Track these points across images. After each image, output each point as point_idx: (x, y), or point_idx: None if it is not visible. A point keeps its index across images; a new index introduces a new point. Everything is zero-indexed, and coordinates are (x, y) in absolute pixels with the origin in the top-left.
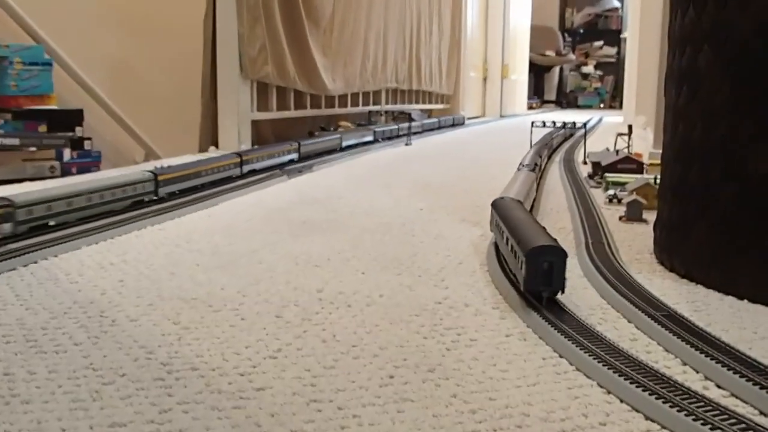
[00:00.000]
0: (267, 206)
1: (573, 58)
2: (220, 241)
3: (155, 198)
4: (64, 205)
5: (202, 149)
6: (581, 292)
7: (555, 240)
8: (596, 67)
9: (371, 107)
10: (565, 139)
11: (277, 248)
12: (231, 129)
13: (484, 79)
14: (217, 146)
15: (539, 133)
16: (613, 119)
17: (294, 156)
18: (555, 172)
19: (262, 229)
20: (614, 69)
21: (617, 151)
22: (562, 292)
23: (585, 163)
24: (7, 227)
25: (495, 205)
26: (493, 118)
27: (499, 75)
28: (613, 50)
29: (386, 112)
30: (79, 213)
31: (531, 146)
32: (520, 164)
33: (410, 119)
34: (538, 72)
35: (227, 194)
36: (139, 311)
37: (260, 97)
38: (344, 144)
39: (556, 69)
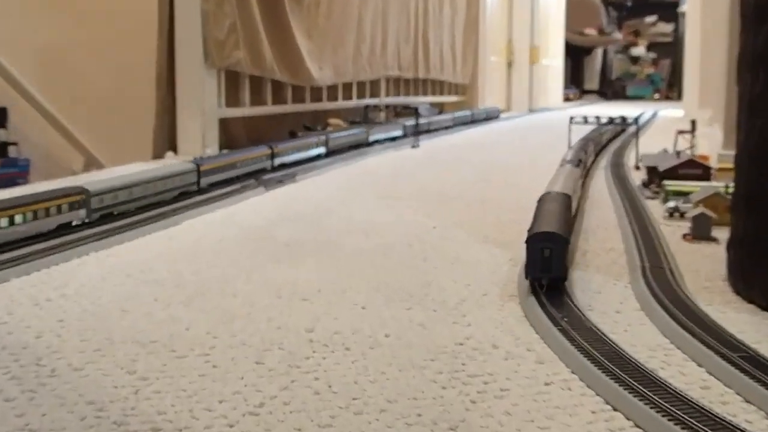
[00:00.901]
0: (240, 225)
1: (619, 38)
2: (183, 269)
3: (196, 190)
4: (126, 195)
5: (157, 155)
6: (638, 329)
7: (568, 228)
8: (649, 48)
9: (368, 101)
10: (612, 139)
11: (255, 277)
12: (193, 130)
13: (509, 65)
14: (175, 151)
15: (579, 132)
16: (670, 113)
17: (322, 150)
18: (600, 180)
19: (236, 254)
20: (671, 50)
21: (678, 153)
22: (564, 280)
23: (637, 168)
24: (82, 213)
25: (539, 201)
26: (519, 113)
27: (527, 60)
28: (669, 27)
29: (387, 106)
30: (139, 202)
31: (570, 148)
32: (563, 160)
33: (417, 115)
34: (576, 55)
35: (189, 210)
36: (85, 358)
37: (230, 90)
38: (372, 138)
39: (599, 51)
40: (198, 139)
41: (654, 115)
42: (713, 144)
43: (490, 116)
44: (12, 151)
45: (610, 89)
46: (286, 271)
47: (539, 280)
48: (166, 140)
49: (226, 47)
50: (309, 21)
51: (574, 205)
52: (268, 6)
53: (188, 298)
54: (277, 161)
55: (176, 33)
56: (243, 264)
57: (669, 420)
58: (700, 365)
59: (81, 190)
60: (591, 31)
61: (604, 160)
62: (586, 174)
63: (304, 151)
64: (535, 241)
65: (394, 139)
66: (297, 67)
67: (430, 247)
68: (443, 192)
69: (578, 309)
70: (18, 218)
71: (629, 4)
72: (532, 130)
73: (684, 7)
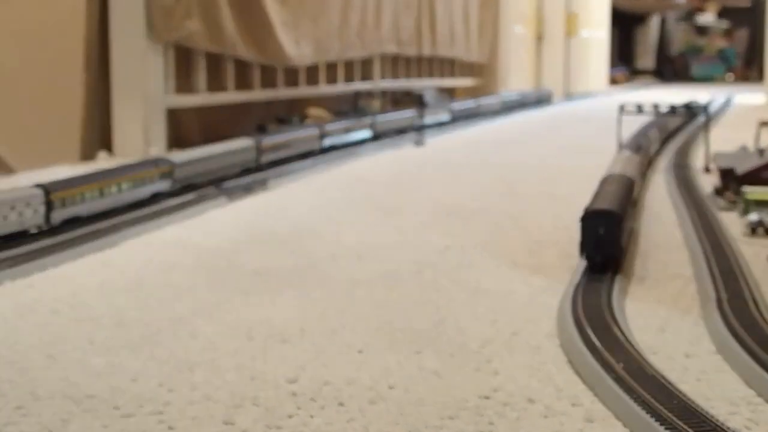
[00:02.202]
0: (197, 247)
1: (682, 1)
2: (124, 304)
3: (255, 167)
4: (209, 165)
5: (86, 156)
6: (715, 377)
7: (624, 199)
8: (720, 14)
9: (358, 86)
10: (674, 133)
11: (219, 314)
12: (133, 123)
13: (539, 39)
14: (110, 150)
15: (632, 125)
16: (749, 99)
17: (368, 133)
18: (660, 186)
19: (192, 284)
20: (749, 18)
21: (761, 152)
22: (617, 258)
23: (707, 170)
24: (166, 184)
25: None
26: (553, 101)
27: (562, 31)
28: None
29: (383, 93)
30: (214, 174)
31: (619, 146)
32: (620, 145)
33: (421, 103)
34: (625, 25)
35: (129, 228)
36: (2, 418)
37: (180, 71)
38: (426, 121)
39: (655, 19)
40: (138, 134)
41: (728, 102)
42: None
43: (542, 100)
44: None
45: (670, 68)
46: (259, 306)
47: (593, 258)
48: (98, 137)
49: (174, 16)
50: None
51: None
52: None
53: (133, 342)
54: (327, 141)
55: None
56: (202, 298)
57: None
58: None
59: (169, 164)
60: None
61: (665, 161)
62: (649, 163)
63: (351, 133)
64: (590, 218)
65: (441, 124)
66: (266, 41)
67: (443, 275)
68: (458, 204)
69: (637, 352)
70: (124, 185)
71: None
72: (570, 122)
73: None
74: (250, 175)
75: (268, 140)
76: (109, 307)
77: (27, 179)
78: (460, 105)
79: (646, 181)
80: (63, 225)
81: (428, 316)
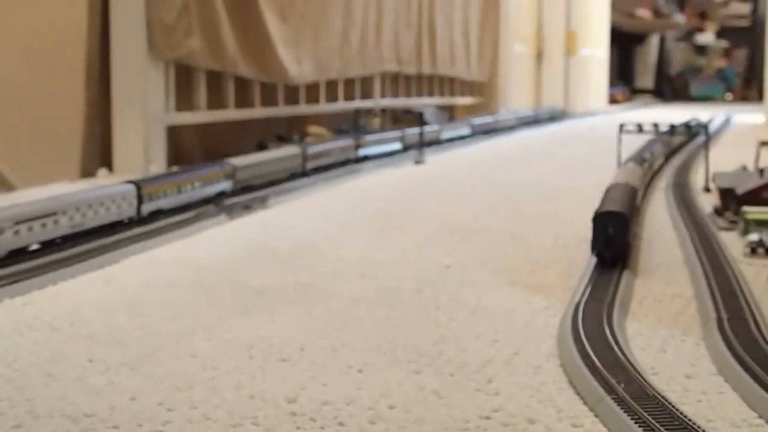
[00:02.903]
0: (196, 265)
1: (681, 21)
2: (124, 322)
3: (301, 173)
4: (264, 169)
5: (87, 173)
6: (716, 398)
7: (631, 203)
8: (719, 34)
9: (358, 104)
10: (674, 152)
11: (218, 332)
12: (133, 140)
13: (538, 57)
14: (110, 168)
15: (632, 144)
16: (748, 118)
17: (399, 145)
18: (660, 206)
19: (192, 302)
20: (748, 38)
21: (761, 171)
22: (624, 254)
23: (707, 190)
24: (229, 184)
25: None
26: (551, 119)
27: (562, 49)
28: (745, 7)
29: (383, 110)
30: (268, 177)
31: (619, 165)
32: (626, 160)
33: (421, 122)
34: (625, 44)
35: (129, 245)
36: None
37: (181, 89)
38: (444, 136)
39: (654, 39)
40: (139, 151)
41: (727, 122)
42: None
43: (554, 116)
44: None
45: (669, 88)
46: (259, 324)
47: (603, 254)
48: (99, 154)
49: (176, 33)
50: (283, 1)
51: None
52: None
53: (133, 360)
54: (362, 152)
55: (112, 14)
56: (202, 316)
57: None
58: None
59: (230, 168)
60: (644, 13)
61: (664, 180)
62: (653, 175)
63: (384, 144)
64: (600, 219)
65: (462, 138)
66: (267, 59)
67: (444, 293)
68: (459, 222)
69: (638, 372)
70: (197, 184)
71: None
72: (570, 141)
73: None
74: (253, 192)
75: (312, 149)
76: (109, 324)
77: (27, 196)
78: (479, 120)
79: (649, 191)
80: (150, 215)
81: (429, 335)
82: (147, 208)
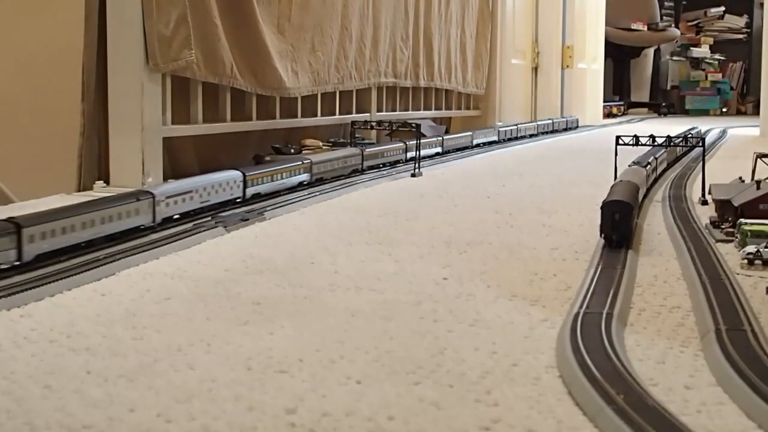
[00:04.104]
0: (193, 277)
1: (676, 35)
2: (122, 334)
3: (360, 170)
4: (332, 165)
5: (84, 186)
6: (716, 409)
7: (634, 196)
8: (714, 48)
9: (355, 116)
10: (681, 156)
11: (217, 344)
12: (130, 153)
13: (534, 70)
14: (107, 181)
15: (629, 156)
16: (744, 131)
17: (439, 149)
18: (657, 218)
19: (190, 315)
20: (744, 51)
21: (758, 183)
22: (628, 238)
23: (704, 202)
24: (307, 176)
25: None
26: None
27: (558, 63)
28: (741, 21)
29: (379, 123)
30: (335, 172)
31: (616, 177)
32: (631, 163)
33: (418, 135)
34: (620, 58)
35: (125, 257)
36: None
37: (177, 101)
38: (476, 141)
39: (650, 53)
40: (136, 164)
41: (723, 134)
42: None
43: (570, 126)
44: None
45: (665, 101)
46: (257, 336)
47: (610, 237)
48: (96, 167)
49: (173, 46)
50: (280, 12)
51: (641, 194)
52: None
53: (131, 372)
54: (410, 155)
55: (108, 26)
56: (200, 328)
57: None
58: None
59: (308, 162)
60: (639, 26)
61: (660, 193)
62: (657, 179)
63: (427, 149)
64: (608, 207)
65: (491, 143)
66: (265, 71)
67: (442, 306)
68: (456, 235)
69: (637, 383)
70: (285, 174)
71: None
72: (566, 154)
73: None
74: (253, 203)
75: (369, 150)
76: (107, 336)
77: (22, 208)
78: (505, 127)
79: (652, 191)
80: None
81: (427, 347)
82: (250, 191)
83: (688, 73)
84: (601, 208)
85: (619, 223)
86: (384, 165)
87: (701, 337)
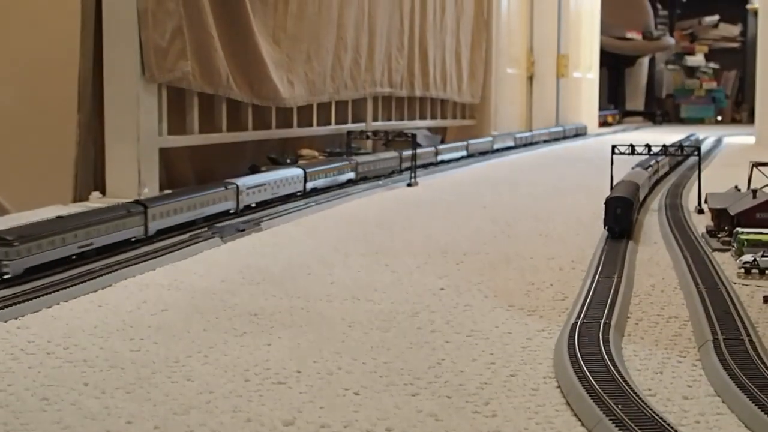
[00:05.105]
0: (191, 288)
1: (671, 43)
2: (119, 346)
3: (399, 170)
4: (375, 165)
5: (80, 197)
6: (714, 420)
7: (635, 194)
8: (709, 56)
9: (350, 126)
10: (681, 162)
11: (214, 355)
12: (126, 163)
13: (530, 79)
14: (103, 192)
15: (624, 166)
16: (739, 140)
17: (463, 152)
18: (653, 227)
19: (187, 326)
20: (738, 60)
21: (754, 192)
22: (629, 230)
23: (700, 211)
24: (353, 175)
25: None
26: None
27: (554, 72)
28: (735, 29)
29: (375, 133)
30: (377, 172)
31: (612, 186)
32: (634, 165)
33: (414, 144)
34: (615, 67)
35: (122, 268)
36: None
37: (173, 112)
38: (496, 146)
39: (644, 61)
40: (132, 175)
41: (718, 143)
42: None
43: (579, 133)
44: None
45: (660, 110)
46: (254, 347)
47: (613, 228)
48: (92, 177)
49: (169, 56)
50: (276, 22)
51: (644, 192)
52: (224, 3)
53: (129, 384)
54: (440, 157)
55: (105, 37)
56: (197, 339)
57: None
58: None
59: (354, 162)
60: (634, 35)
61: (657, 201)
62: (657, 182)
63: (452, 152)
64: (611, 202)
65: (508, 148)
66: (260, 82)
67: (439, 316)
68: (453, 245)
69: (635, 394)
70: (335, 172)
71: (684, 0)
72: (561, 163)
73: (756, 4)
74: (249, 213)
75: (405, 154)
76: (104, 348)
77: (18, 219)
78: (521, 134)
79: (642, 212)
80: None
81: (425, 358)
82: (309, 185)
83: (683, 82)
84: (605, 203)
85: (620, 217)
86: (419, 167)
87: (699, 346)
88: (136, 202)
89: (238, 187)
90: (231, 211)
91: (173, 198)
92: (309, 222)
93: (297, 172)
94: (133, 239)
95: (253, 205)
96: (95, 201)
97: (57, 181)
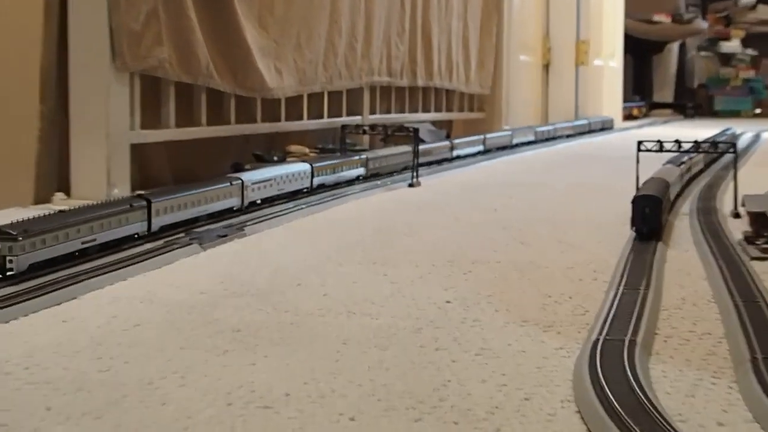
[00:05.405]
0: (165, 301)
1: (703, 27)
2: (86, 366)
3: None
4: (387, 161)
5: (42, 198)
6: None
7: (664, 192)
8: (746, 42)
9: (345, 119)
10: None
11: (193, 377)
12: (94, 161)
13: (545, 67)
14: (68, 193)
15: (652, 164)
16: None
17: (480, 147)
18: (684, 233)
19: (162, 344)
20: None
21: None
22: (658, 230)
23: (737, 215)
24: (364, 170)
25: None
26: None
27: (572, 59)
28: None
29: (372, 127)
30: (389, 168)
31: (638, 187)
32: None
33: (416, 140)
34: (641, 54)
35: (89, 279)
36: None
37: (147, 104)
38: (516, 141)
39: (674, 48)
40: (100, 174)
41: (757, 139)
42: None
43: (606, 126)
44: None
45: (692, 102)
46: (237, 367)
47: (641, 229)
48: (56, 176)
49: (143, 42)
50: (262, 4)
51: (675, 190)
52: None
53: (97, 408)
54: (455, 152)
55: (70, 20)
56: (174, 358)
57: None
58: None
59: (364, 158)
60: (662, 18)
61: (687, 205)
62: (691, 179)
63: (471, 147)
64: (639, 200)
65: (529, 143)
66: (245, 70)
67: (445, 333)
68: (460, 253)
69: (664, 420)
70: (345, 167)
71: None
72: (581, 161)
73: None
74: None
75: (422, 148)
76: (68, 368)
77: None
78: (541, 128)
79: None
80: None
81: (428, 380)
82: (316, 181)
83: (716, 71)
84: (632, 202)
85: (649, 217)
86: (433, 163)
87: (735, 367)
88: (139, 196)
89: (243, 182)
90: (235, 209)
91: (176, 193)
92: (299, 226)
93: (304, 167)
94: (136, 236)
95: (259, 201)
96: (59, 203)
97: (15, 180)
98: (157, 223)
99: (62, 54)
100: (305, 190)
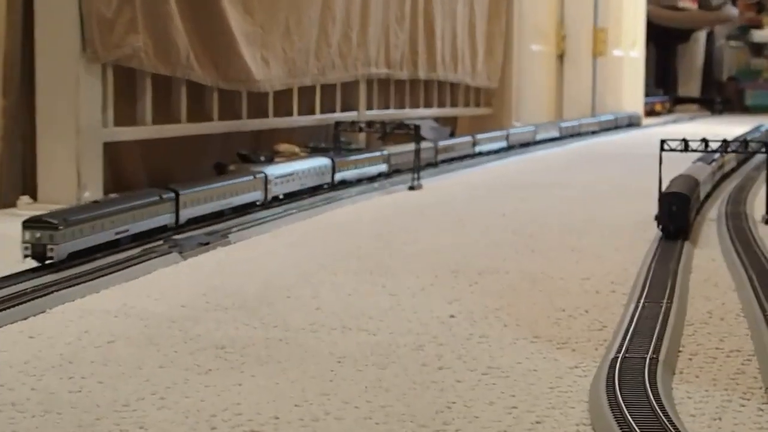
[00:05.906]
0: (144, 314)
1: (733, 14)
2: (56, 385)
3: (435, 163)
4: (408, 157)
5: (5, 202)
6: None
7: (693, 190)
8: None
9: (339, 115)
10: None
11: (172, 398)
12: (63, 161)
13: (560, 58)
14: (34, 196)
15: (675, 165)
16: None
17: (504, 143)
18: (712, 240)
19: (138, 361)
20: None
21: None
22: (685, 229)
23: None
24: (386, 167)
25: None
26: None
27: (589, 49)
28: None
29: (369, 124)
30: (410, 165)
31: (660, 189)
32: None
33: (417, 138)
34: (665, 43)
35: (59, 290)
36: None
37: (121, 98)
38: (539, 137)
39: (701, 37)
40: (70, 175)
41: None
42: None
43: (633, 122)
44: None
45: (720, 96)
46: (222, 388)
47: (668, 227)
48: (20, 178)
49: (116, 29)
50: None
51: (705, 189)
52: None
53: None
54: (478, 148)
55: (36, 6)
56: (152, 377)
57: None
58: None
59: (386, 154)
60: (688, 4)
61: (715, 210)
62: (723, 177)
63: (494, 143)
64: (666, 198)
65: (553, 140)
66: (228, 60)
67: (449, 350)
68: (465, 262)
69: None
70: (368, 164)
71: None
72: (598, 161)
73: None
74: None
75: (442, 145)
76: (36, 389)
77: None
78: (566, 124)
79: (717, 187)
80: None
81: (431, 401)
82: (338, 177)
83: (748, 62)
84: (659, 200)
85: (676, 215)
86: (454, 159)
87: (767, 387)
88: (167, 188)
89: (266, 176)
90: (258, 203)
91: (203, 185)
92: (289, 233)
93: (325, 162)
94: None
95: (281, 196)
96: (24, 207)
97: None
98: (185, 215)
99: (27, 43)
100: (326, 186)
